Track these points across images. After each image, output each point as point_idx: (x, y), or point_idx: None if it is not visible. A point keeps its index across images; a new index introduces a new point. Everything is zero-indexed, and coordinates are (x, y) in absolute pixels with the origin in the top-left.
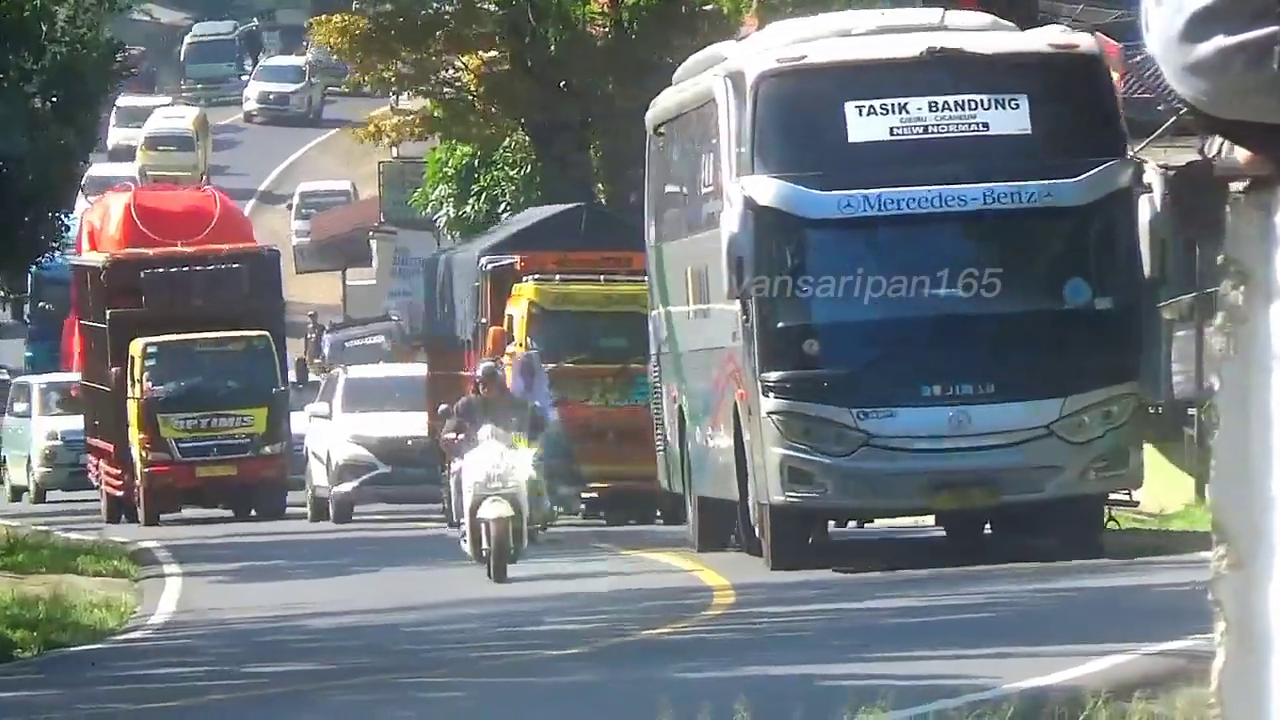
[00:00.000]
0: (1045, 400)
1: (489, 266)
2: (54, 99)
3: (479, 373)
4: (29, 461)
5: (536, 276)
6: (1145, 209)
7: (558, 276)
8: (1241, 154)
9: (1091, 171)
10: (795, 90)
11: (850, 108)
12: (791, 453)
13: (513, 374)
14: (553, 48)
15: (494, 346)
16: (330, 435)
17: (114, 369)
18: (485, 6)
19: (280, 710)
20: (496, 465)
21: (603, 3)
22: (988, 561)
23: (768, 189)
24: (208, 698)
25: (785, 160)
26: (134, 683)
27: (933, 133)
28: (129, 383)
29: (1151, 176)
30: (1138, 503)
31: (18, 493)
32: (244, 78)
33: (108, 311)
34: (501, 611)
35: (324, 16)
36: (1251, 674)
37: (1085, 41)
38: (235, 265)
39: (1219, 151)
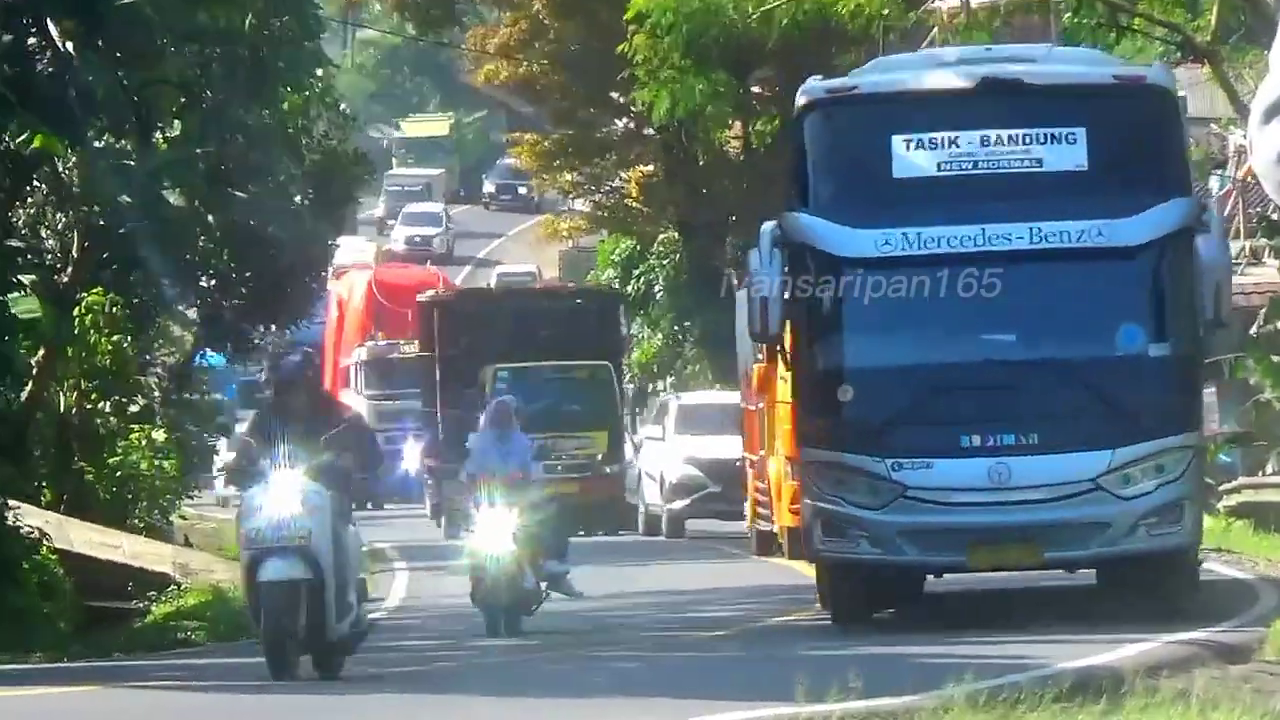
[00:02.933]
0: (1092, 452)
1: None
2: (310, 195)
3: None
4: None
5: None
6: (1203, 250)
7: None
8: None
9: (1149, 210)
10: (841, 122)
11: (897, 141)
12: (825, 504)
13: (483, 422)
14: (699, 163)
15: (759, 384)
16: (663, 456)
17: (468, 390)
18: (646, 131)
19: (495, 675)
20: (286, 504)
21: (737, 129)
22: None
23: (802, 225)
24: (435, 665)
25: (828, 195)
26: (377, 652)
27: (982, 168)
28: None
29: (1211, 216)
30: None
31: None
32: (390, 222)
33: (462, 340)
34: (664, 601)
35: (519, 134)
36: None
37: (1153, 73)
38: (580, 302)
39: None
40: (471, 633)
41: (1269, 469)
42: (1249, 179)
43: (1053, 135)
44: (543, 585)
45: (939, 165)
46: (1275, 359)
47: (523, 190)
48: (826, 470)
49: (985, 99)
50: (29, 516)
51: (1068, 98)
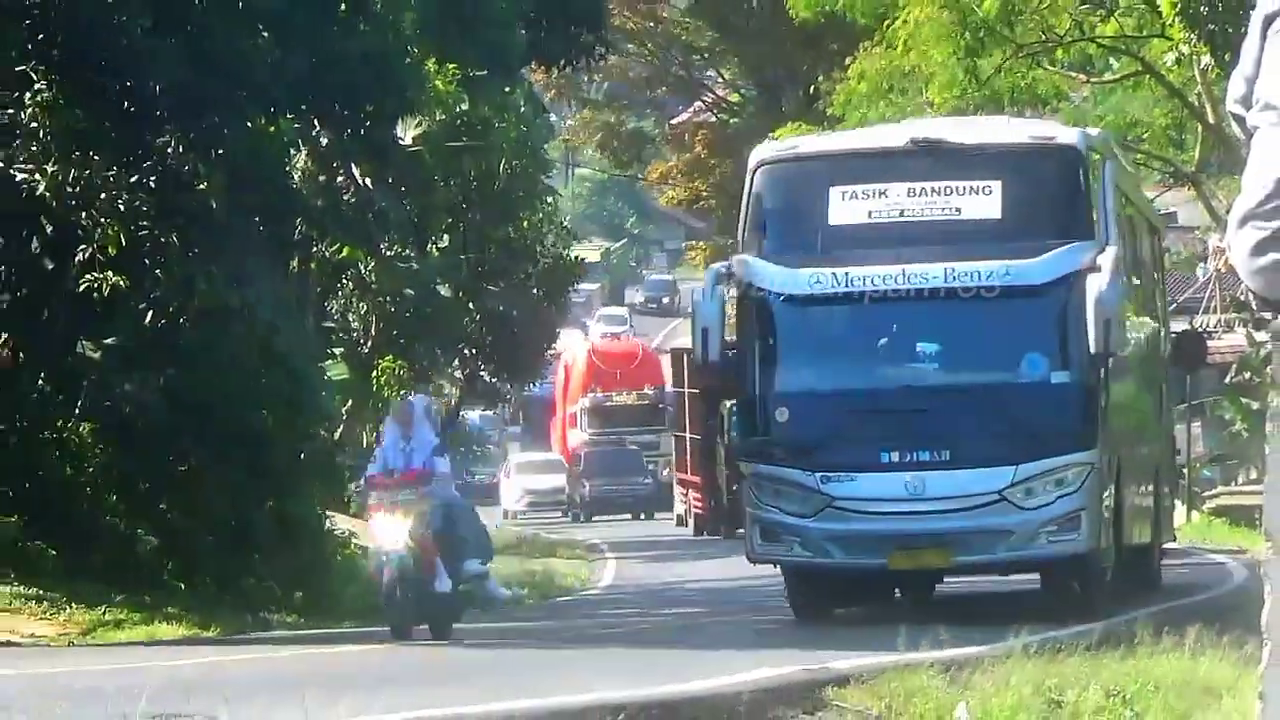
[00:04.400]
0: (997, 468)
1: None
2: (542, 290)
3: None
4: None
5: None
6: (1093, 288)
7: None
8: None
9: (1051, 253)
10: (785, 177)
11: (834, 193)
12: (762, 513)
13: (387, 422)
14: None
15: None
16: None
17: (709, 421)
18: None
19: (672, 635)
20: None
21: None
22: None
23: (747, 266)
24: (638, 627)
25: (772, 240)
26: (592, 619)
27: (908, 217)
28: (721, 434)
29: (1105, 259)
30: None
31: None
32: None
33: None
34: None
35: (693, 242)
36: None
37: (1066, 134)
38: None
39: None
40: (659, 604)
41: (1239, 480)
42: (1225, 270)
43: (971, 188)
44: (461, 587)
45: (869, 214)
46: (1244, 400)
47: (665, 300)
48: (764, 483)
49: (913, 157)
50: (340, 521)
51: (985, 155)
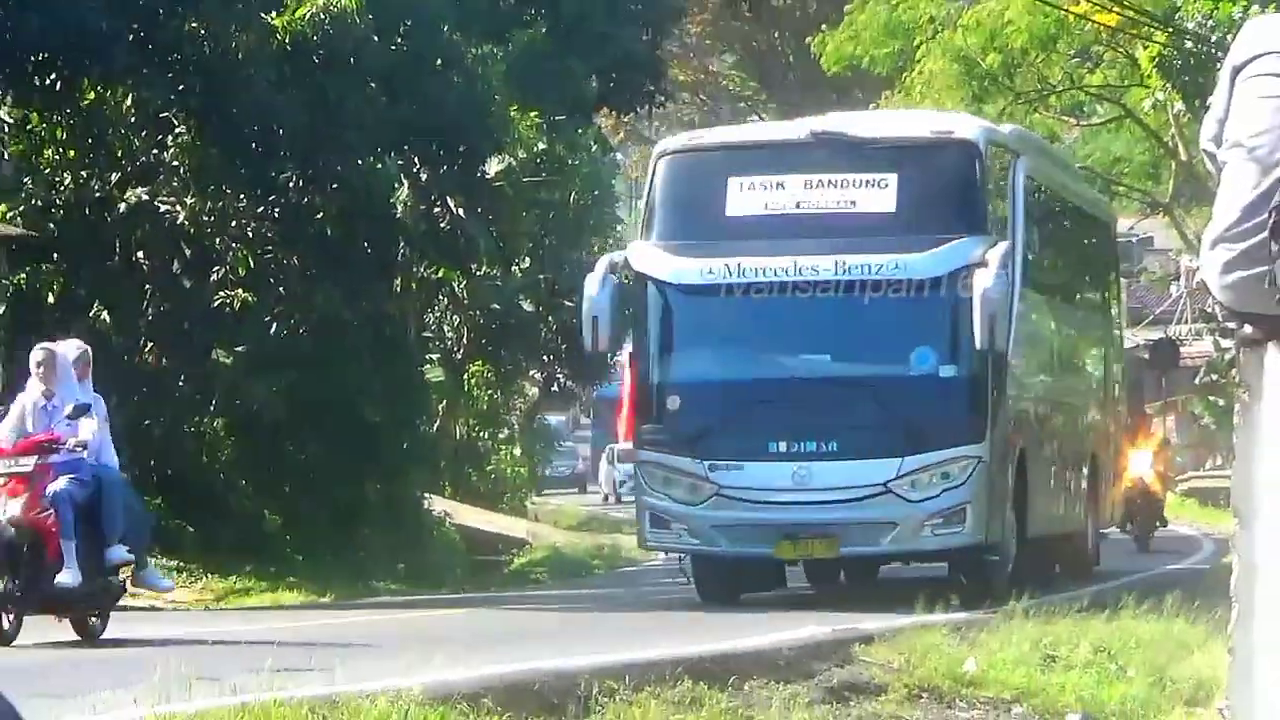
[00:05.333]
0: (883, 460)
1: None
2: None
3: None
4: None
5: None
6: (979, 283)
7: None
8: (1247, 328)
9: (941, 248)
10: (686, 167)
11: (732, 184)
12: (653, 500)
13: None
14: None
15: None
16: None
17: None
18: None
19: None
20: None
21: None
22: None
23: (642, 254)
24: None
25: (670, 230)
26: (655, 586)
27: (804, 209)
28: None
29: (993, 254)
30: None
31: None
32: None
33: None
34: None
35: None
36: (1249, 587)
37: (966, 129)
38: None
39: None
40: None
41: (1206, 466)
42: (1195, 286)
43: (867, 181)
44: (114, 579)
45: (765, 205)
46: (1211, 398)
47: None
48: (655, 470)
49: (812, 149)
50: (436, 503)
51: (883, 149)
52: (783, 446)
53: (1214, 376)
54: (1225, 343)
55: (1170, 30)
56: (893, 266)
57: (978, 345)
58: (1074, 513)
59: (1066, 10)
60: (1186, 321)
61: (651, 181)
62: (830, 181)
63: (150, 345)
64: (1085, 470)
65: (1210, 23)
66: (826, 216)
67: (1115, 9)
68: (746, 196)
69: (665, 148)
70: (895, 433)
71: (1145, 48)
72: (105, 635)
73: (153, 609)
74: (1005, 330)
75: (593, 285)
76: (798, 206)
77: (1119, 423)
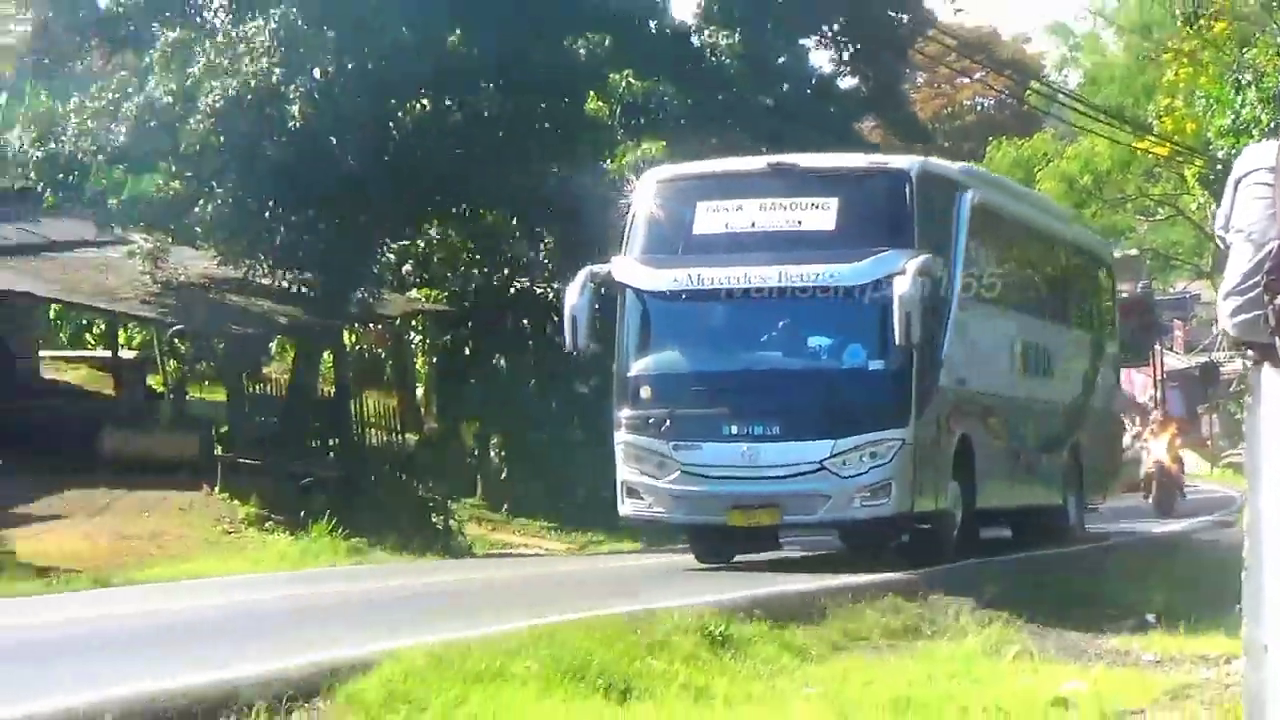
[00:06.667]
0: (819, 441)
1: None
2: None
3: None
4: None
5: None
6: (898, 289)
7: None
8: (1249, 353)
9: (868, 259)
10: (664, 193)
11: (700, 207)
12: (629, 475)
13: None
14: None
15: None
16: None
17: None
18: None
19: (767, 563)
20: None
21: None
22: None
23: (621, 266)
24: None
25: (646, 246)
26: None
27: (758, 228)
28: None
29: (910, 265)
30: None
31: None
32: None
33: None
34: None
35: None
36: (1259, 577)
37: (899, 162)
38: None
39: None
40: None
41: (1239, 446)
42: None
43: (812, 204)
44: None
45: (726, 225)
46: (1241, 400)
47: None
48: (630, 450)
49: (768, 178)
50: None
51: (827, 177)
52: (734, 429)
53: (1243, 387)
54: (1248, 364)
55: (1206, 157)
56: (827, 275)
57: (898, 342)
58: (1046, 488)
59: (1135, 145)
60: (1224, 349)
61: (635, 204)
62: (780, 204)
63: (533, 382)
64: (1064, 453)
65: (1234, 151)
66: (776, 234)
67: (1169, 143)
68: (711, 217)
69: (651, 176)
70: (829, 418)
71: (1190, 169)
72: None
73: (537, 554)
74: (930, 330)
75: (573, 293)
76: (752, 226)
77: (1106, 416)
